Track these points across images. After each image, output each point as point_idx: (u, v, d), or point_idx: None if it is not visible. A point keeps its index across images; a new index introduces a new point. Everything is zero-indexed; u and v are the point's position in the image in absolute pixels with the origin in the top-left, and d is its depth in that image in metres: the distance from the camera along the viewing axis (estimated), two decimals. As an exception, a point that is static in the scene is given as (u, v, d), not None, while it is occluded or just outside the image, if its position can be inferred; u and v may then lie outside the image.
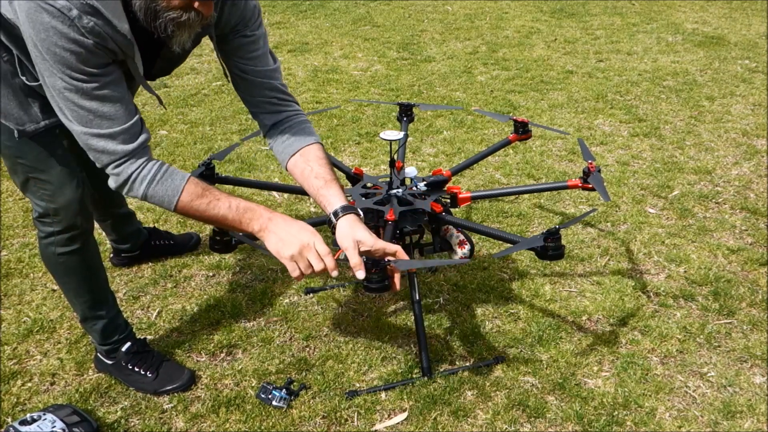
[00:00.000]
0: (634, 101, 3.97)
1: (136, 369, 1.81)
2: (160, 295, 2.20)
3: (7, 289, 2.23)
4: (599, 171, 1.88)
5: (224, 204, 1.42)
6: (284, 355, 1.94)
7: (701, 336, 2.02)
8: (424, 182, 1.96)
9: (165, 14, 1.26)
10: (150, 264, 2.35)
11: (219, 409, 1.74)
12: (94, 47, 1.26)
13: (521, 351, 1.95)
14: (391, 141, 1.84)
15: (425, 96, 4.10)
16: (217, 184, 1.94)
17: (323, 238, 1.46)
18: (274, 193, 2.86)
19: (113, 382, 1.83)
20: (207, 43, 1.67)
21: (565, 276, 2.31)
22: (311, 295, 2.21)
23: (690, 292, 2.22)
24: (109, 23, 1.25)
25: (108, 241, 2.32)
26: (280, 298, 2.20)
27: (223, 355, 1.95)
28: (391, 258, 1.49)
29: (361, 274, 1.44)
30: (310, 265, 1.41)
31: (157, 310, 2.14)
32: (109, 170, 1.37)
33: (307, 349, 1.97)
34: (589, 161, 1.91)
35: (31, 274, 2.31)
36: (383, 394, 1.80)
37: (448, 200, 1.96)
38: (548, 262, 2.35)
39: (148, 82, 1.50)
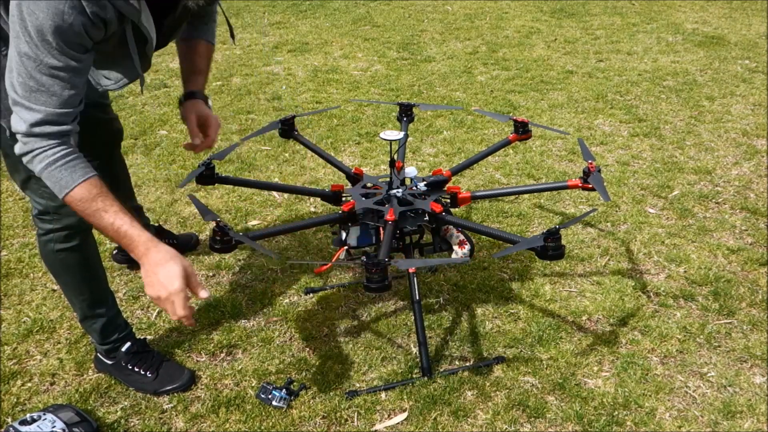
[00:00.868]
0: (634, 101, 3.97)
1: (136, 369, 1.81)
2: (160, 295, 2.20)
3: (7, 289, 2.23)
4: (599, 171, 1.88)
5: (108, 219, 1.37)
6: (284, 355, 1.94)
7: (701, 336, 2.02)
8: (424, 182, 1.96)
9: None
10: (150, 264, 2.35)
11: (219, 409, 1.74)
12: (82, 27, 1.25)
13: (521, 351, 1.95)
14: (391, 141, 1.84)
15: (425, 96, 4.10)
16: (217, 184, 1.95)
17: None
18: (274, 193, 2.87)
19: (113, 382, 1.83)
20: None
21: (565, 276, 2.31)
22: (311, 295, 2.21)
23: (690, 292, 2.22)
24: None
25: (109, 243, 2.32)
26: (280, 298, 2.20)
27: (223, 355, 1.95)
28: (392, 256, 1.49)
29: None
30: (173, 310, 1.36)
31: (157, 310, 2.14)
32: (19, 136, 1.34)
33: (307, 349, 1.97)
34: (589, 161, 1.91)
35: (31, 274, 2.31)
36: (383, 394, 1.80)
37: (448, 200, 1.96)
38: (548, 262, 2.35)
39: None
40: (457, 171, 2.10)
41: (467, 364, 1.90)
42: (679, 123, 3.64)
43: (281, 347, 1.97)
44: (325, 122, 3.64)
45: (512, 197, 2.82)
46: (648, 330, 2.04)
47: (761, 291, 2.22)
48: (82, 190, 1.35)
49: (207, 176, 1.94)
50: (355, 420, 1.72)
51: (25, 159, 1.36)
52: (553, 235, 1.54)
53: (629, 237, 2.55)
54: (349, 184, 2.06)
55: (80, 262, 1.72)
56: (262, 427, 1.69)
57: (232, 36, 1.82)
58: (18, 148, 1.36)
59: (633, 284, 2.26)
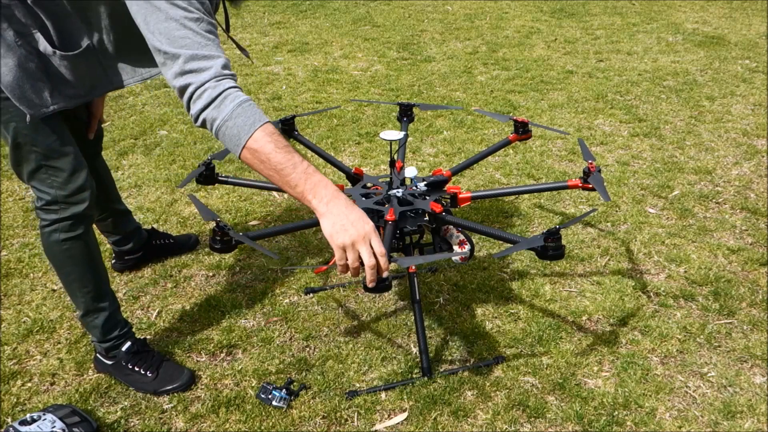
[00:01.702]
0: (634, 101, 3.97)
1: (136, 369, 1.81)
2: (160, 295, 2.20)
3: (7, 289, 2.23)
4: (599, 171, 1.88)
5: (298, 157, 1.34)
6: (284, 355, 1.94)
7: (701, 336, 2.02)
8: (424, 182, 1.96)
9: None
10: (150, 264, 2.35)
11: (219, 409, 1.74)
12: None
13: (521, 351, 1.95)
14: (391, 141, 1.84)
15: (425, 96, 4.09)
16: (217, 184, 1.95)
17: None
18: (274, 193, 2.87)
19: (113, 382, 1.83)
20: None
21: (565, 276, 2.31)
22: (311, 295, 2.21)
23: (690, 292, 2.22)
24: None
25: (108, 244, 2.31)
26: (280, 298, 2.20)
27: (223, 355, 1.95)
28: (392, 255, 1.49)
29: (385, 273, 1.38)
30: (359, 259, 1.33)
31: (157, 310, 2.14)
32: (210, 83, 1.34)
33: (307, 349, 1.97)
34: (589, 161, 1.91)
35: (31, 274, 2.31)
36: (383, 394, 1.80)
37: (448, 200, 1.96)
38: (548, 262, 2.35)
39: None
40: (457, 171, 2.10)
41: (467, 364, 1.90)
42: (680, 123, 3.64)
43: (281, 347, 1.97)
44: (325, 122, 3.64)
45: (512, 197, 2.82)
46: (648, 330, 2.04)
47: (761, 291, 2.22)
48: (270, 126, 1.36)
49: (207, 176, 1.94)
50: (355, 420, 1.72)
51: (214, 104, 1.34)
52: (553, 235, 1.54)
53: (629, 237, 2.55)
54: (349, 184, 2.06)
55: (84, 252, 1.73)
56: (262, 427, 1.69)
57: (247, 56, 1.82)
58: (203, 96, 1.34)
59: (633, 284, 2.25)
